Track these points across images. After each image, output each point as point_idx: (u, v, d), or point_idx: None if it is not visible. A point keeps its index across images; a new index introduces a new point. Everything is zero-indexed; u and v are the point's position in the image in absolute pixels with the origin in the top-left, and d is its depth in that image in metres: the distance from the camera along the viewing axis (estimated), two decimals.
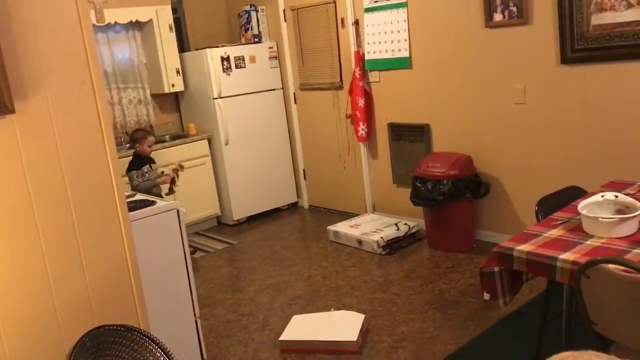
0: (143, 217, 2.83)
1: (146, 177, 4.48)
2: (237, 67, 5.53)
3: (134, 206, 2.81)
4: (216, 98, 5.45)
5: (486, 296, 2.39)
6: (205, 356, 3.19)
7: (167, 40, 5.48)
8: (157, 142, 5.42)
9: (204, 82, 5.49)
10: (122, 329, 1.80)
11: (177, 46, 5.59)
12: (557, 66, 3.79)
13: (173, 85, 5.57)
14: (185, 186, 5.39)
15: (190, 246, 4.14)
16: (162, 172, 4.74)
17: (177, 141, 5.45)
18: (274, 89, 5.82)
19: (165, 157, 5.30)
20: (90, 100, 2.12)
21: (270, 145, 5.85)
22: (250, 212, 5.79)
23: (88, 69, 2.10)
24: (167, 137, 5.66)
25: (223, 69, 5.45)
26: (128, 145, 5.38)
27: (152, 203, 2.96)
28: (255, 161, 5.75)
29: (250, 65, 5.62)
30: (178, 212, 2.99)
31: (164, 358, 1.70)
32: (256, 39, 5.80)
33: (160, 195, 4.37)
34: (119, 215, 2.17)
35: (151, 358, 1.69)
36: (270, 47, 5.76)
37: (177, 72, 5.57)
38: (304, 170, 6.01)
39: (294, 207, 6.12)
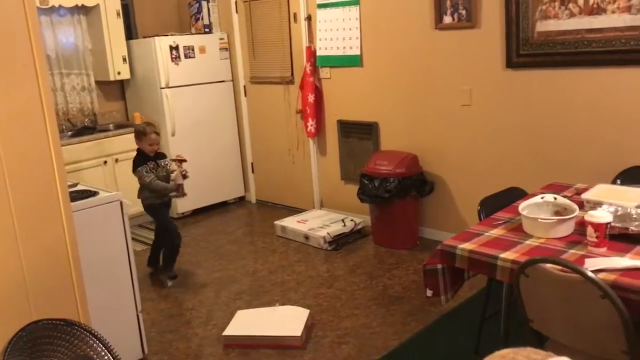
0: (85, 207, 2.75)
1: (158, 172, 3.99)
2: (186, 57, 5.44)
3: (75, 196, 2.73)
4: (164, 88, 5.35)
5: (429, 293, 2.44)
6: (146, 351, 3.14)
7: (114, 27, 5.33)
8: (99, 131, 5.29)
9: (151, 71, 5.38)
10: (61, 323, 1.75)
11: (125, 33, 5.44)
12: (502, 70, 3.90)
13: (119, 73, 5.43)
14: (128, 177, 5.26)
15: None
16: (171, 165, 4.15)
17: (121, 130, 5.32)
18: (223, 81, 5.76)
19: (108, 146, 5.17)
20: (32, 83, 2.04)
21: (218, 137, 5.79)
22: (195, 205, 5.72)
23: (31, 51, 2.03)
24: (111, 126, 5.52)
25: (172, 58, 5.35)
26: (70, 133, 5.22)
27: (95, 194, 2.89)
28: (202, 153, 5.67)
29: (199, 56, 5.54)
30: (121, 203, 2.92)
31: (105, 353, 1.66)
32: (206, 30, 5.72)
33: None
34: (60, 205, 2.11)
35: (92, 353, 1.65)
36: (221, 39, 5.69)
37: (124, 59, 5.44)
38: (252, 164, 5.98)
39: (241, 201, 6.08)
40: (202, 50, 5.55)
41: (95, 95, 5.56)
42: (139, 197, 4.07)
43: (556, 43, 3.61)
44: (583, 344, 1.94)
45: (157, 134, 4.00)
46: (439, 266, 2.39)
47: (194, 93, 5.55)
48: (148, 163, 3.95)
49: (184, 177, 4.03)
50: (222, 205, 5.91)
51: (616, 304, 1.79)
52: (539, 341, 2.12)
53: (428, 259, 2.44)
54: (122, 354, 2.01)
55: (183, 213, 5.63)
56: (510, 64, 3.85)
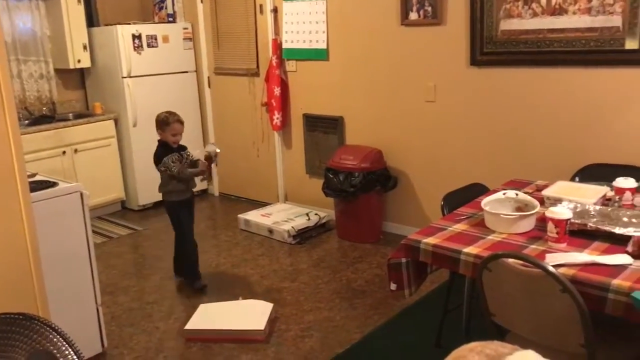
0: (44, 199, 2.68)
1: (184, 163, 3.73)
2: (149, 46, 5.34)
3: (34, 187, 2.65)
4: (125, 77, 5.24)
5: (393, 286, 2.47)
6: (105, 345, 3.08)
7: (74, 13, 5.19)
8: (58, 120, 5.15)
9: (113, 59, 5.26)
10: (20, 317, 1.70)
11: (85, 20, 5.30)
12: (466, 67, 3.96)
13: (79, 61, 5.29)
14: (87, 168, 5.16)
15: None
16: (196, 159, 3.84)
17: (80, 120, 5.19)
18: (187, 71, 5.68)
19: (67, 136, 5.04)
20: None
21: None
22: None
23: None
24: (70, 115, 5.37)
25: (134, 47, 5.24)
26: (27, 122, 5.06)
27: (54, 184, 2.81)
28: None
29: (163, 45, 5.44)
30: (82, 195, 2.86)
31: (66, 348, 1.62)
32: (170, 19, 5.63)
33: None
34: (19, 196, 2.04)
35: (52, 348, 1.61)
36: (185, 28, 5.60)
37: (84, 47, 5.30)
38: None
39: (203, 194, 6.01)
40: (166, 39, 5.46)
41: (54, 83, 5.41)
42: (160, 192, 3.85)
43: (519, 42, 3.68)
44: (543, 337, 1.99)
45: (181, 123, 3.73)
46: (403, 260, 2.42)
47: (156, 83, 5.45)
48: (171, 155, 3.69)
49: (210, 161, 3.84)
50: None
51: (575, 298, 1.84)
52: (500, 334, 2.17)
53: (392, 252, 2.46)
54: (80, 348, 1.96)
55: (144, 205, 5.54)
56: (474, 61, 3.90)
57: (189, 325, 3.25)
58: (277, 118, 5.05)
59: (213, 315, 3.36)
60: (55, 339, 1.62)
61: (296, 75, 4.99)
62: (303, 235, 4.57)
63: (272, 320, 3.32)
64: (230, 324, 3.24)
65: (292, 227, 4.54)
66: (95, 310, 3.00)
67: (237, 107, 5.53)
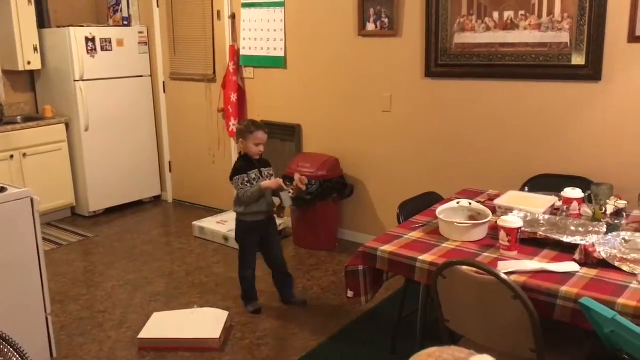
0: None
1: (254, 183, 3.31)
2: (102, 49, 5.24)
3: None
4: (78, 80, 5.12)
5: (350, 294, 2.49)
6: (55, 355, 2.99)
7: (24, 14, 5.04)
8: (6, 123, 4.99)
9: (65, 62, 5.14)
10: None
11: (36, 21, 5.16)
12: (421, 78, 4.04)
13: (29, 63, 5.14)
14: (37, 173, 5.01)
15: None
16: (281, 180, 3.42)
17: (30, 123, 5.04)
18: (141, 76, 5.60)
19: (16, 140, 4.89)
20: None
21: (135, 134, 5.62)
22: (108, 203, 5.52)
23: None
24: (18, 118, 5.22)
25: (87, 50, 5.14)
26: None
27: (3, 189, 2.72)
28: (117, 150, 5.48)
29: (117, 49, 5.35)
30: (32, 200, 2.78)
31: (16, 358, 1.57)
32: (125, 22, 5.54)
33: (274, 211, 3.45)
34: None
35: (1, 358, 1.55)
36: (141, 32, 5.53)
37: (35, 49, 5.15)
38: (169, 162, 5.85)
39: (157, 200, 5.92)
40: (120, 43, 5.37)
41: (1, 85, 5.23)
42: (234, 210, 3.51)
43: (472, 55, 3.79)
44: (495, 343, 2.04)
45: (265, 132, 3.37)
46: (360, 267, 2.45)
47: (110, 87, 5.35)
48: (249, 172, 3.31)
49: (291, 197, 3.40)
50: (137, 205, 5.74)
51: (526, 305, 1.90)
52: (454, 340, 2.22)
53: (350, 260, 2.49)
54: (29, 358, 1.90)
55: (95, 212, 5.41)
56: (429, 73, 3.99)
57: (142, 334, 3.19)
58: (234, 124, 5.03)
59: (167, 324, 3.31)
60: (5, 349, 1.57)
61: (253, 82, 4.99)
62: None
63: (227, 329, 3.29)
64: (185, 332, 3.20)
65: None
66: (45, 320, 2.91)
67: (193, 113, 5.48)
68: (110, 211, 5.53)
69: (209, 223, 4.86)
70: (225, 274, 4.09)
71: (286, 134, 4.82)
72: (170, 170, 5.87)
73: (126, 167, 5.57)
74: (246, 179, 3.29)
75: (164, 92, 5.68)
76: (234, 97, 4.95)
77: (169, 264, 4.31)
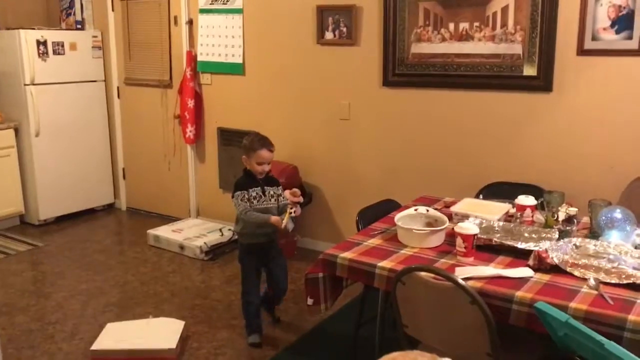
0: None
1: (255, 204, 3.07)
2: (54, 53, 5.11)
3: None
4: (28, 84, 4.98)
5: (310, 301, 2.49)
6: None
7: None
8: None
9: (14, 65, 4.99)
10: None
11: None
12: (379, 87, 4.09)
13: None
14: None
15: None
16: (284, 200, 3.16)
17: None
18: (95, 81, 5.49)
19: None
20: None
21: (87, 140, 5.49)
22: (59, 211, 5.37)
23: None
24: None
25: (38, 53, 5.00)
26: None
27: None
28: (68, 156, 5.35)
29: (70, 53, 5.23)
30: None
31: None
32: (79, 26, 5.43)
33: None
34: None
35: None
36: (95, 36, 5.42)
37: None
38: (123, 169, 5.73)
39: (110, 208, 5.80)
40: (73, 47, 5.25)
41: None
42: (233, 230, 3.38)
43: (428, 65, 3.86)
44: (452, 347, 2.07)
45: (270, 150, 3.09)
46: (320, 275, 2.46)
47: (62, 92, 5.23)
48: (251, 190, 3.08)
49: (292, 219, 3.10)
50: (89, 213, 5.60)
51: (483, 309, 1.94)
52: (412, 346, 2.24)
53: (310, 268, 2.49)
54: None
55: (45, 220, 5.26)
56: (387, 82, 4.05)
57: (95, 346, 3.11)
58: (190, 131, 4.98)
59: (121, 335, 3.23)
60: None
61: (211, 89, 4.95)
62: (216, 252, 4.50)
63: (183, 339, 3.24)
64: (140, 343, 3.13)
65: (205, 243, 4.47)
66: None
67: (148, 119, 5.39)
68: (61, 219, 5.38)
69: (164, 231, 4.79)
70: (181, 283, 4.03)
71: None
72: (124, 178, 5.75)
73: (78, 174, 5.44)
74: (246, 196, 3.06)
75: (118, 97, 5.57)
76: (190, 103, 4.90)
77: (123, 274, 4.22)
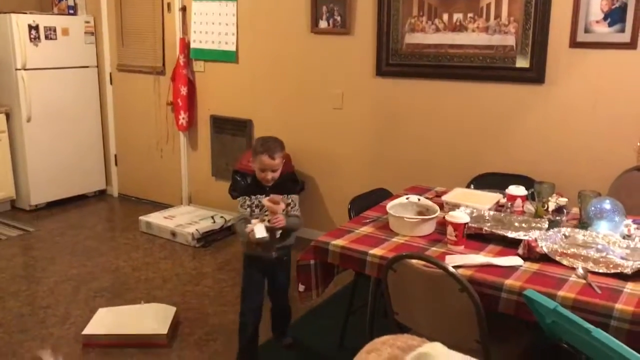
0: None
1: (257, 214, 2.75)
2: (47, 38, 5.07)
3: None
4: (19, 69, 4.94)
5: (301, 288, 2.50)
6: None
7: None
8: None
9: (5, 50, 4.94)
10: None
11: None
12: (372, 77, 4.09)
13: None
14: None
15: None
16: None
17: None
18: (87, 67, 5.45)
19: None
20: None
21: (80, 126, 5.46)
22: (51, 197, 5.34)
23: None
24: None
25: (30, 38, 4.96)
26: None
27: None
28: (60, 142, 5.32)
29: (62, 38, 5.18)
30: None
31: None
32: (71, 11, 5.38)
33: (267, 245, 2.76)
34: None
35: None
36: (87, 22, 5.37)
37: None
38: (115, 155, 5.71)
39: (101, 194, 5.78)
40: (65, 32, 5.21)
41: None
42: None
43: (422, 55, 3.86)
44: (442, 335, 2.08)
45: (272, 158, 2.75)
46: (312, 262, 2.46)
47: (54, 77, 5.19)
48: (254, 197, 2.77)
49: (269, 229, 2.67)
50: (81, 199, 5.58)
51: (473, 297, 1.96)
52: (402, 333, 2.26)
53: (301, 254, 2.49)
54: None
55: (36, 205, 5.24)
56: (380, 72, 4.04)
57: (86, 331, 3.11)
58: (183, 118, 4.96)
59: (112, 320, 3.24)
60: None
61: (204, 76, 4.93)
62: (208, 238, 4.51)
63: (175, 324, 3.25)
64: (131, 328, 3.14)
65: (197, 229, 4.47)
66: None
67: (141, 105, 5.37)
68: (53, 205, 5.36)
69: (156, 218, 4.78)
70: (172, 270, 4.04)
71: (237, 129, 4.79)
72: (116, 164, 5.73)
73: (70, 160, 5.41)
74: (247, 202, 2.77)
75: (111, 83, 5.54)
76: (183, 91, 4.88)
77: (114, 260, 4.21)
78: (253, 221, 2.68)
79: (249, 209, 2.76)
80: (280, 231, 2.73)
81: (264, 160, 2.74)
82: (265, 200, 2.69)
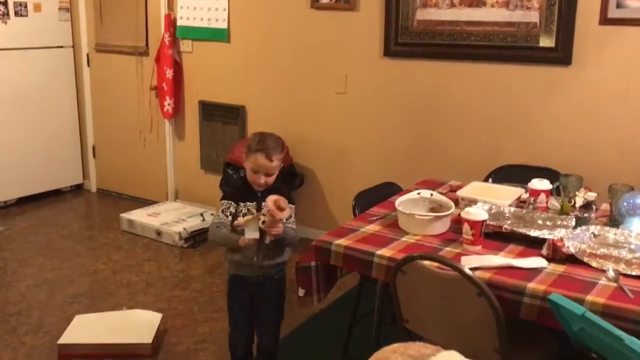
0: None
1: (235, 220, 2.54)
2: (16, 14, 5.08)
3: None
4: None
5: (301, 292, 2.51)
6: None
7: None
8: None
9: None
10: None
11: None
12: (379, 58, 4.09)
13: None
14: None
15: None
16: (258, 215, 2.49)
17: None
18: (62, 47, 5.46)
19: None
20: None
21: (53, 113, 5.47)
22: (21, 192, 5.36)
23: None
24: None
25: None
26: None
27: None
28: (31, 131, 5.33)
29: (33, 15, 5.19)
30: None
31: None
32: None
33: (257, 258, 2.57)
34: None
35: None
36: None
37: None
38: (93, 146, 5.73)
39: (78, 189, 5.81)
40: (37, 8, 5.21)
41: None
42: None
43: (435, 33, 3.86)
44: (457, 344, 2.09)
45: (270, 158, 2.52)
46: (313, 263, 2.47)
47: (24, 58, 5.20)
48: (242, 203, 2.56)
49: (262, 233, 2.45)
50: (55, 194, 5.60)
51: (491, 302, 1.97)
52: (412, 341, 2.27)
53: (301, 256, 2.50)
54: None
55: (5, 202, 5.25)
56: (389, 52, 4.04)
57: (62, 340, 3.13)
58: (169, 104, 4.96)
59: (91, 328, 3.25)
60: None
61: (192, 57, 4.93)
62: (196, 238, 4.52)
63: (160, 333, 3.26)
64: (112, 337, 3.16)
65: (184, 228, 4.49)
66: None
67: (122, 90, 5.37)
68: (24, 201, 5.37)
69: (139, 215, 4.80)
70: (157, 273, 4.05)
71: (229, 117, 4.79)
72: (94, 156, 5.75)
73: (42, 152, 5.42)
74: (230, 209, 2.55)
75: (88, 65, 5.55)
76: (169, 73, 4.89)
77: (93, 261, 4.23)
78: (244, 217, 2.49)
79: (230, 217, 2.55)
80: (270, 239, 2.48)
81: (259, 160, 2.51)
82: (270, 201, 2.38)
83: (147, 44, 5.13)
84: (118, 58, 5.33)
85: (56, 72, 5.45)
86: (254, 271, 2.61)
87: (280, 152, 2.59)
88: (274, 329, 2.77)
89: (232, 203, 2.57)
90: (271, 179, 2.58)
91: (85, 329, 3.25)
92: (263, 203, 2.49)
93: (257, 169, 2.53)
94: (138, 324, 3.27)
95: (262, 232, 2.45)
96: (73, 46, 5.53)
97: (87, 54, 5.53)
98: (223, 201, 2.60)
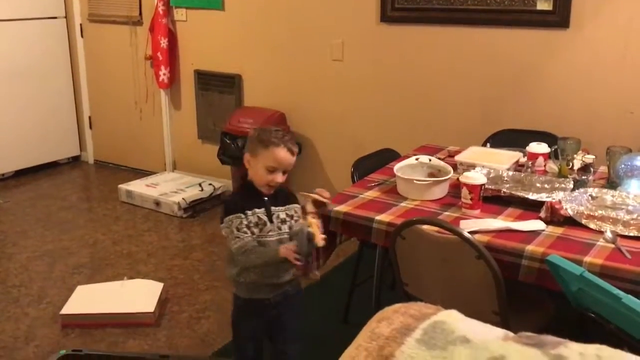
0: None
1: (257, 234, 2.14)
2: None
3: None
4: None
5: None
6: None
7: None
8: None
9: None
10: None
11: None
12: (376, 24, 4.05)
13: None
14: None
15: None
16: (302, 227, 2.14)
17: None
18: (55, 17, 5.40)
19: None
20: None
21: (48, 85, 5.44)
22: (18, 165, 5.35)
23: None
24: None
25: None
26: None
27: None
28: (27, 104, 5.30)
29: None
30: None
31: None
32: None
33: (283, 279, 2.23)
34: None
35: None
36: None
37: None
38: (89, 118, 5.70)
39: (75, 161, 5.80)
40: None
41: None
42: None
43: None
44: (456, 307, 2.12)
45: (292, 152, 2.18)
46: None
47: (16, 30, 5.14)
48: (250, 212, 2.15)
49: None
50: (52, 166, 5.60)
51: (490, 264, 1.99)
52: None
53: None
54: None
55: (3, 174, 5.25)
56: (385, 17, 4.00)
57: (64, 310, 3.16)
58: (164, 74, 4.93)
59: (93, 298, 3.28)
60: None
61: (186, 26, 4.88)
62: (196, 208, 4.54)
63: (162, 302, 3.29)
64: (114, 307, 3.19)
65: (183, 198, 4.50)
66: None
67: (116, 60, 5.33)
68: (21, 174, 5.37)
69: (137, 186, 4.80)
70: (157, 243, 4.07)
71: (225, 86, 4.77)
72: (91, 127, 5.73)
73: (39, 124, 5.40)
74: (243, 222, 2.13)
75: (82, 36, 5.50)
76: (163, 43, 4.84)
77: (93, 232, 4.25)
78: (305, 221, 2.13)
79: (248, 232, 2.14)
80: (323, 242, 2.09)
81: (281, 155, 2.13)
82: (317, 195, 2.17)
83: (140, 13, 5.07)
84: (112, 28, 5.28)
85: (50, 44, 5.40)
86: (274, 290, 2.23)
87: (295, 144, 2.24)
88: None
89: (241, 215, 2.14)
90: (284, 178, 2.19)
91: (88, 299, 3.28)
92: (273, 208, 2.18)
93: (276, 165, 2.13)
94: (140, 293, 3.30)
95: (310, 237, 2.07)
96: (66, 17, 5.47)
97: (81, 25, 5.47)
98: (229, 217, 2.14)
